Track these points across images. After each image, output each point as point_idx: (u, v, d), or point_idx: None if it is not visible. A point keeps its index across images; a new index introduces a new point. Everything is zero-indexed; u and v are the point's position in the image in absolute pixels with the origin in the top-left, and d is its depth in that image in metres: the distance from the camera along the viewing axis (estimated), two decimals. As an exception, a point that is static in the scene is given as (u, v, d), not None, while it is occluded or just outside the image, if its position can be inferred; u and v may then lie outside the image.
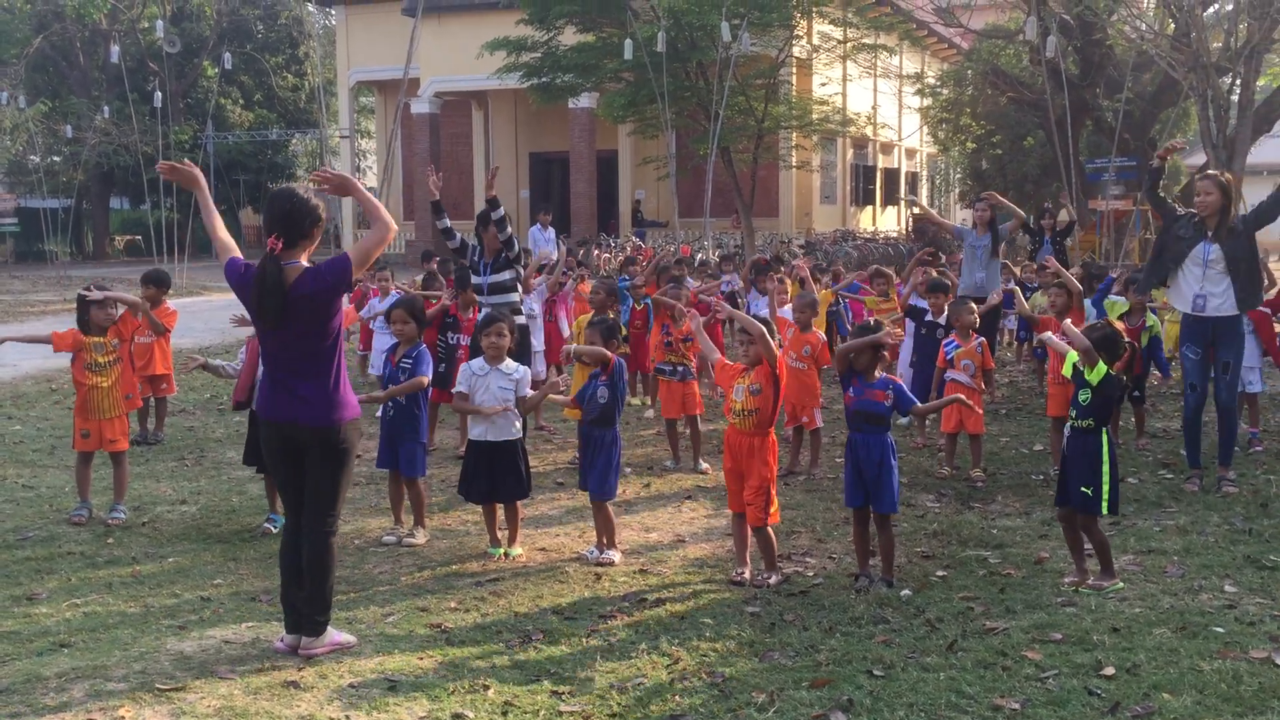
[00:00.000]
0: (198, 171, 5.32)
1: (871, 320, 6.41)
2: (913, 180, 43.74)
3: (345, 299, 5.24)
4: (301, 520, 5.12)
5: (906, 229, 33.30)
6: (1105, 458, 5.74)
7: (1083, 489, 5.74)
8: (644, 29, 22.90)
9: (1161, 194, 8.40)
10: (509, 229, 9.12)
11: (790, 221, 32.04)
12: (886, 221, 39.62)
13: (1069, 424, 5.92)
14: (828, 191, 35.73)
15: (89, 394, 7.37)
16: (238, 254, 5.07)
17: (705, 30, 23.28)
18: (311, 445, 4.98)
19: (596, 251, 26.55)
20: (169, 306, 9.85)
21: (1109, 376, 5.75)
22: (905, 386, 6.13)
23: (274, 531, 7.02)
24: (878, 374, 5.98)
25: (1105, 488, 5.72)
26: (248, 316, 7.38)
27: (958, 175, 38.94)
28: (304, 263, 4.93)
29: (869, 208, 38.75)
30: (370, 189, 43.60)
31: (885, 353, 6.06)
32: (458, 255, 9.29)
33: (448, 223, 9.26)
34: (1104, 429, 5.80)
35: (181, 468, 8.93)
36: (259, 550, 6.71)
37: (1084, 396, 5.81)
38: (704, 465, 8.77)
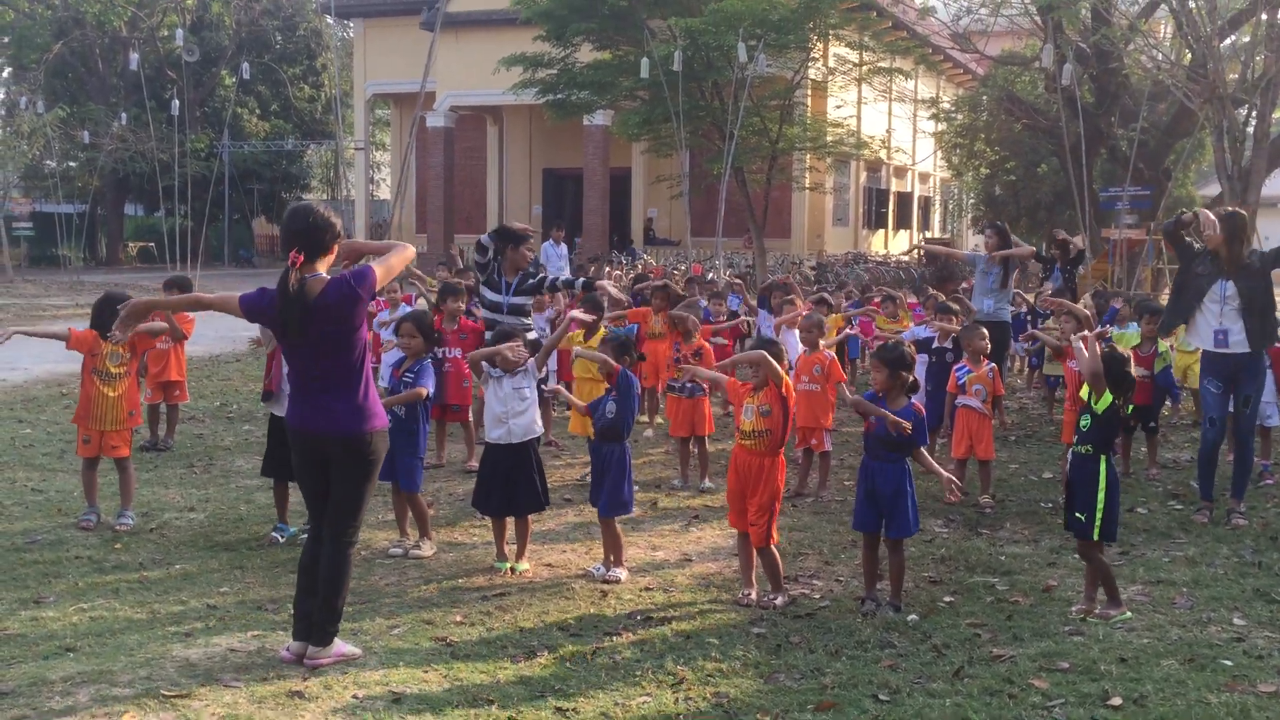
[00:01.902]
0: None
1: (890, 341, 6.40)
2: (925, 206, 43.77)
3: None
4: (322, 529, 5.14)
5: (917, 256, 33.28)
6: (1102, 484, 5.72)
7: (1077, 514, 5.73)
8: (660, 48, 22.98)
9: (1180, 233, 8.40)
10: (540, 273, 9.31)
11: (802, 243, 32.06)
12: (898, 245, 39.61)
13: (1072, 450, 5.91)
14: (840, 214, 35.77)
15: (93, 401, 7.37)
16: (240, 292, 5.10)
17: (721, 50, 23.35)
18: (339, 455, 5.00)
19: (608, 269, 26.58)
20: (187, 314, 9.89)
21: (1113, 406, 5.74)
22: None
23: (281, 541, 7.04)
24: (904, 402, 5.96)
25: (1099, 515, 5.70)
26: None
27: (971, 201, 38.92)
28: (324, 274, 4.96)
29: (881, 231, 38.76)
30: (382, 202, 43.79)
31: (906, 374, 6.03)
32: (480, 269, 9.29)
33: (490, 247, 9.27)
34: (1104, 456, 5.78)
35: (190, 475, 8.94)
36: (266, 559, 6.71)
37: (1085, 422, 5.80)
38: (708, 484, 8.77)
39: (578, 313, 7.24)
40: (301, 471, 5.20)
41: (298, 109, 44.14)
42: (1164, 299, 13.86)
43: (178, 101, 28.30)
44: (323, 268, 4.99)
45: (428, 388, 6.91)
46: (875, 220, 38.28)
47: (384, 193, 48.54)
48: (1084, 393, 6.10)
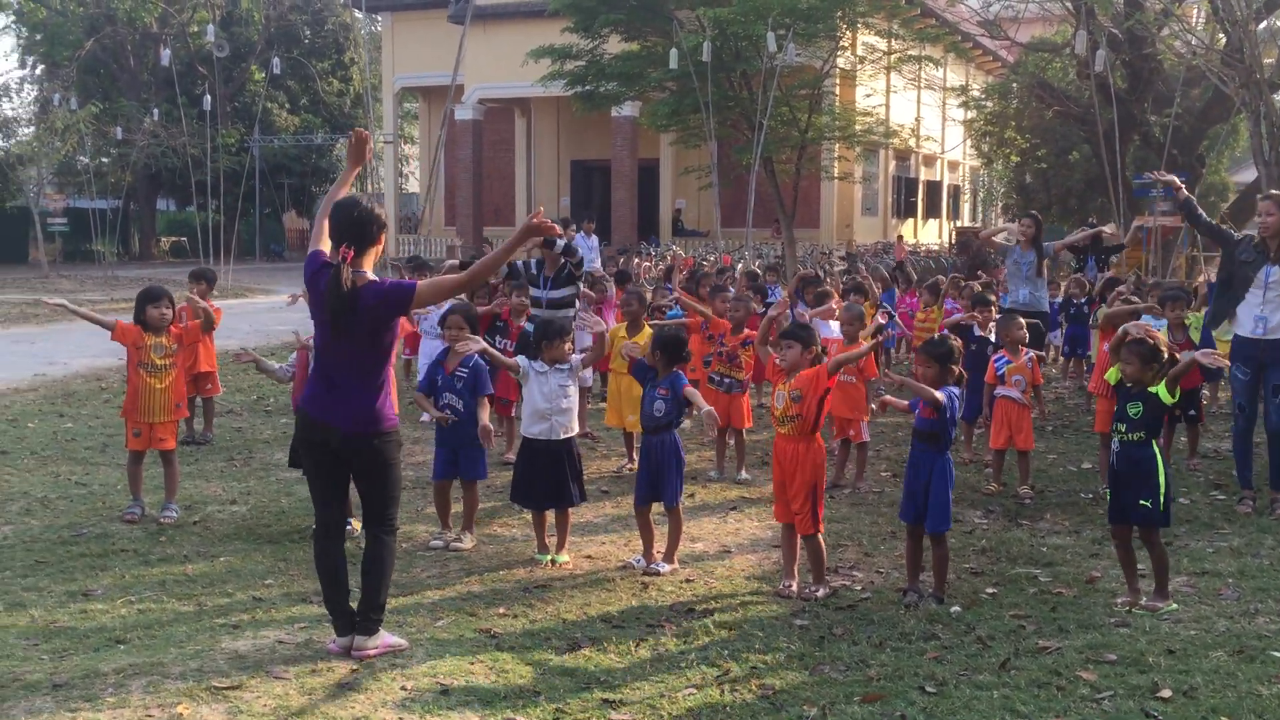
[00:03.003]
0: (369, 157, 5.59)
1: (937, 335, 6.36)
2: (954, 195, 43.51)
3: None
4: (329, 520, 5.15)
5: (949, 242, 33.10)
6: (1160, 468, 5.70)
7: (1142, 502, 5.68)
8: (689, 39, 22.93)
9: (1209, 219, 8.33)
10: (578, 253, 9.31)
11: (831, 233, 31.96)
12: (928, 234, 39.42)
13: (1117, 438, 5.85)
14: (869, 203, 35.62)
15: (140, 393, 7.44)
16: (326, 249, 5.12)
17: (750, 40, 23.27)
18: (350, 453, 5.01)
19: (637, 260, 26.58)
20: (213, 305, 9.98)
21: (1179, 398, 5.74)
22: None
23: (322, 533, 7.08)
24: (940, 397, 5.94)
25: (1162, 499, 5.68)
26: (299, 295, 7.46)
27: (1001, 190, 38.68)
28: (369, 273, 4.99)
29: (910, 220, 38.56)
30: (411, 195, 43.96)
31: (955, 368, 6.00)
32: (510, 275, 9.35)
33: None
34: (1154, 441, 5.75)
35: (231, 468, 9.02)
36: (308, 552, 6.69)
37: (1135, 410, 5.75)
38: (746, 475, 8.77)
39: (631, 345, 7.18)
40: (307, 458, 5.18)
41: (326, 103, 44.38)
42: (1195, 286, 13.73)
43: (209, 97, 28.48)
44: (369, 261, 5.02)
45: (490, 391, 6.98)
46: (904, 209, 38.09)
47: (412, 186, 48.72)
48: (1110, 376, 6.06)
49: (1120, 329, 6.22)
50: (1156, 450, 5.75)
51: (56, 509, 7.65)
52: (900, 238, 29.79)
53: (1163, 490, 5.70)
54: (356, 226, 4.95)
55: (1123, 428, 5.80)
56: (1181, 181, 8.81)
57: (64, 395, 12.29)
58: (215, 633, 5.33)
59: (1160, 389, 5.73)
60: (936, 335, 6.36)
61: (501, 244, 5.28)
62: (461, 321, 7.09)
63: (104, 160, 38.79)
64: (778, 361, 6.16)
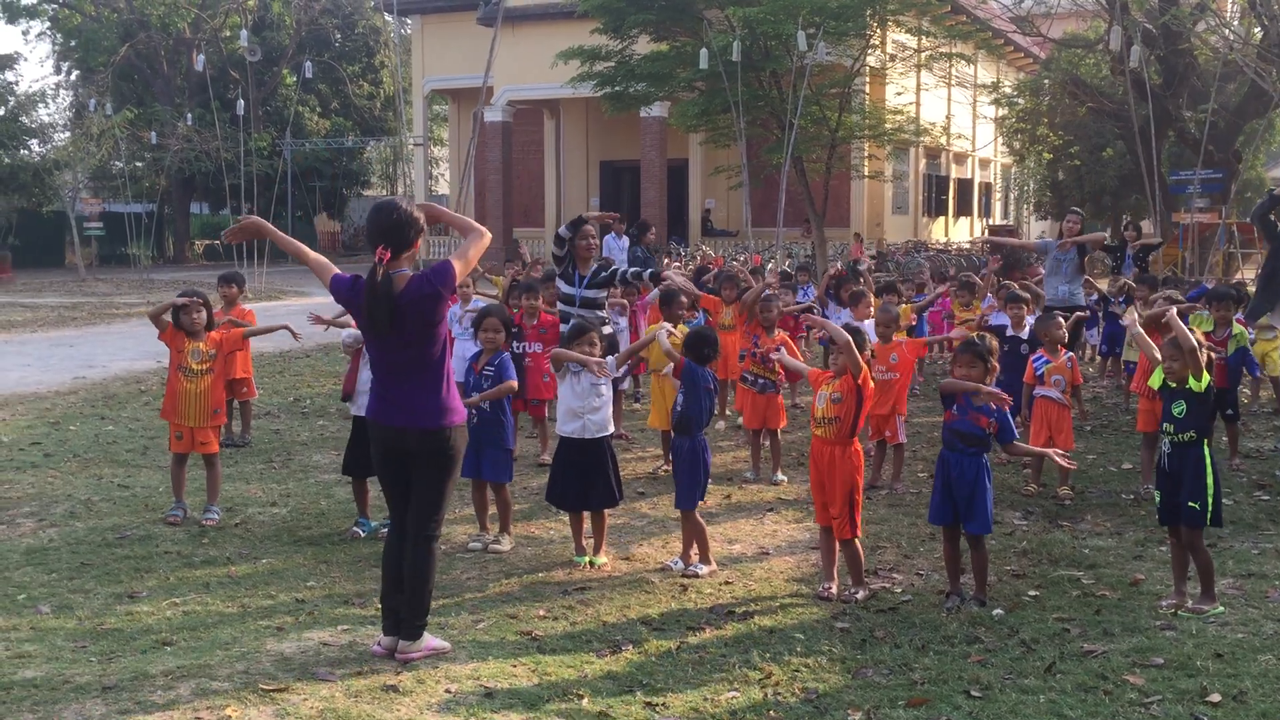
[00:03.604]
0: (256, 221, 5.55)
1: (977, 337, 6.32)
2: (986, 192, 43.24)
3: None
4: (404, 525, 5.19)
5: (981, 238, 32.90)
6: (1209, 469, 5.65)
7: (1190, 504, 5.63)
8: (718, 38, 22.91)
9: (1273, 219, 8.25)
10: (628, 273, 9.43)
11: (862, 232, 31.82)
12: (959, 232, 39.19)
13: (1166, 439, 5.80)
14: (899, 202, 35.45)
15: (178, 396, 7.51)
16: (336, 270, 5.18)
17: (780, 40, 23.22)
18: (419, 451, 5.06)
19: (667, 260, 26.59)
20: (244, 306, 10.11)
21: (1210, 386, 5.68)
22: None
23: (362, 536, 7.13)
24: (990, 402, 5.91)
25: (1210, 500, 5.62)
26: (323, 316, 7.50)
27: (1033, 187, 38.41)
28: (408, 271, 5.02)
29: (941, 218, 38.36)
30: (442, 197, 44.15)
31: (996, 367, 5.99)
32: (556, 261, 9.40)
33: (569, 235, 9.33)
34: (1205, 441, 5.70)
35: (270, 470, 9.08)
36: (349, 554, 6.81)
37: (1179, 409, 5.70)
38: (781, 476, 8.75)
39: (667, 326, 7.21)
40: (381, 466, 5.25)
41: (357, 106, 44.64)
42: (1233, 283, 13.59)
43: (243, 101, 28.67)
44: (407, 263, 5.05)
45: (514, 380, 6.98)
46: (935, 208, 37.90)
47: (442, 187, 48.91)
48: (1154, 380, 6.01)
49: (1148, 316, 6.20)
50: (1207, 452, 5.69)
51: (100, 511, 7.73)
52: (858, 236, 29.43)
53: (1210, 492, 5.64)
54: (395, 230, 4.98)
55: (1171, 428, 5.75)
56: (1216, 178, 8.75)
57: (104, 398, 12.42)
58: (260, 635, 5.37)
59: (1190, 380, 5.68)
60: (977, 335, 6.31)
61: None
62: (498, 324, 7.12)
63: (138, 165, 39.18)
64: (830, 365, 6.15)
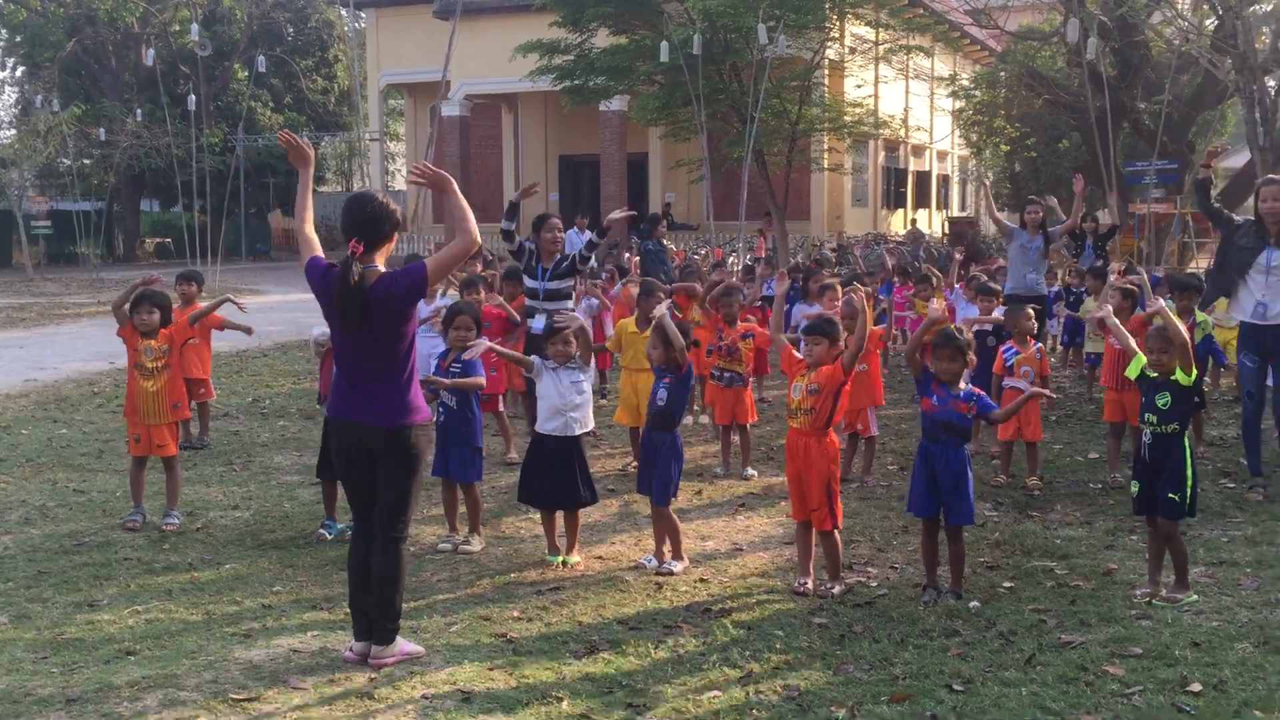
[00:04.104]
0: (310, 152, 5.31)
1: (952, 328, 6.27)
2: (944, 184, 43.50)
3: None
4: (369, 526, 5.08)
5: (942, 231, 33.10)
6: (1189, 461, 5.66)
7: (1170, 495, 5.63)
8: (678, 31, 22.83)
9: (1216, 204, 8.31)
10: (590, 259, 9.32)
11: (822, 225, 31.92)
12: (918, 224, 39.39)
13: (1148, 430, 5.79)
14: (859, 194, 35.59)
15: (136, 395, 7.35)
16: (320, 253, 5.05)
17: (740, 33, 23.20)
18: (381, 449, 4.95)
19: (627, 255, 26.50)
20: (201, 305, 9.91)
21: (1199, 380, 5.70)
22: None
23: (329, 538, 6.99)
24: (963, 385, 5.89)
25: (1189, 491, 5.64)
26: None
27: (990, 179, 38.68)
28: (380, 266, 4.91)
29: (900, 210, 38.56)
30: (399, 193, 43.78)
31: (973, 358, 5.97)
32: (514, 257, 9.32)
33: (513, 225, 9.28)
34: (1186, 433, 5.71)
35: (230, 472, 8.91)
36: (316, 557, 6.67)
37: (1164, 401, 5.70)
38: (750, 471, 8.70)
39: (667, 302, 7.06)
40: (343, 464, 5.10)
41: (311, 101, 44.12)
42: (1189, 272, 13.73)
43: (194, 96, 28.24)
44: (381, 258, 4.94)
45: (482, 376, 6.89)
46: (894, 200, 38.09)
47: (399, 183, 48.52)
48: (1131, 371, 6.01)
49: (1147, 314, 6.20)
50: (1187, 443, 5.70)
51: (56, 517, 7.54)
52: (760, 233, 29.47)
53: (1190, 483, 5.65)
54: (370, 223, 4.87)
55: (1154, 419, 5.73)
56: (1171, 168, 8.84)
57: (56, 400, 12.15)
58: (227, 642, 5.24)
59: (1178, 373, 5.69)
60: (953, 327, 6.27)
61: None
62: (470, 322, 7.02)
63: (87, 162, 38.49)
64: (801, 354, 6.09)
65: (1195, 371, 5.73)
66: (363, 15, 39.20)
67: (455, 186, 5.02)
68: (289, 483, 8.49)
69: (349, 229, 4.86)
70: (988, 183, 15.12)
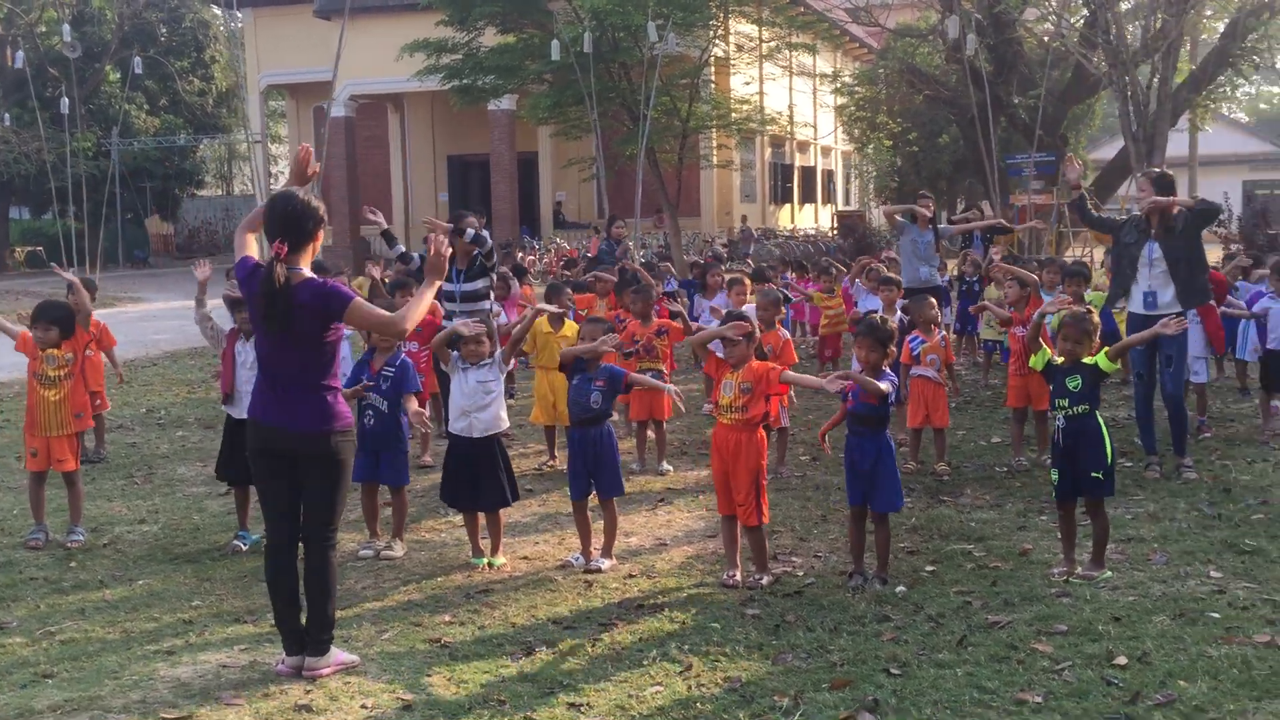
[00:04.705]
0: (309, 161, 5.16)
1: (875, 318, 6.36)
2: (829, 179, 44.24)
3: None
4: (284, 535, 4.95)
5: (832, 225, 33.68)
6: (1106, 437, 5.85)
7: (1093, 474, 5.81)
8: (568, 29, 22.79)
9: (1094, 214, 8.61)
10: (488, 242, 9.13)
11: (712, 221, 32.19)
12: (804, 219, 40.01)
13: (1060, 415, 5.97)
14: (747, 190, 35.99)
15: (37, 408, 7.07)
16: (254, 254, 4.92)
17: (629, 31, 23.25)
18: (302, 455, 4.84)
19: (520, 254, 26.37)
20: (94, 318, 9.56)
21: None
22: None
23: (244, 549, 6.81)
24: (886, 373, 5.98)
25: (1109, 468, 5.84)
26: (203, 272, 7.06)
27: (872, 174, 39.46)
28: (306, 270, 4.78)
29: (787, 205, 39.10)
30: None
31: (894, 350, 6.07)
32: (417, 276, 9.17)
33: (401, 248, 9.21)
34: (1097, 412, 5.91)
35: (132, 486, 8.62)
36: (233, 569, 6.49)
37: (1074, 383, 5.88)
38: (666, 466, 8.73)
39: (545, 305, 7.10)
40: (259, 469, 4.96)
41: (188, 103, 42.86)
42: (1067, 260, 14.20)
43: (67, 99, 27.20)
44: (306, 258, 4.82)
45: (417, 388, 6.83)
46: (781, 195, 38.60)
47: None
48: (1035, 363, 6.19)
49: (1037, 313, 6.38)
50: (1100, 421, 5.90)
51: (-50, 539, 7.20)
52: (595, 229, 29.75)
53: (1109, 460, 5.85)
54: (291, 221, 4.75)
55: (1065, 403, 5.92)
56: (1049, 160, 9.12)
57: (-65, 417, 11.59)
58: (150, 660, 5.07)
59: (1100, 359, 5.88)
60: (877, 318, 6.37)
61: (422, 287, 5.01)
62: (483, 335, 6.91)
63: (-51, 168, 36.80)
64: (723, 355, 6.11)
65: (1116, 364, 5.93)
66: (239, 15, 38.24)
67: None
68: (195, 494, 8.25)
69: (271, 230, 4.75)
70: (886, 206, 15.43)
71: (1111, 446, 5.94)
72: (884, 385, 5.80)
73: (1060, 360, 5.97)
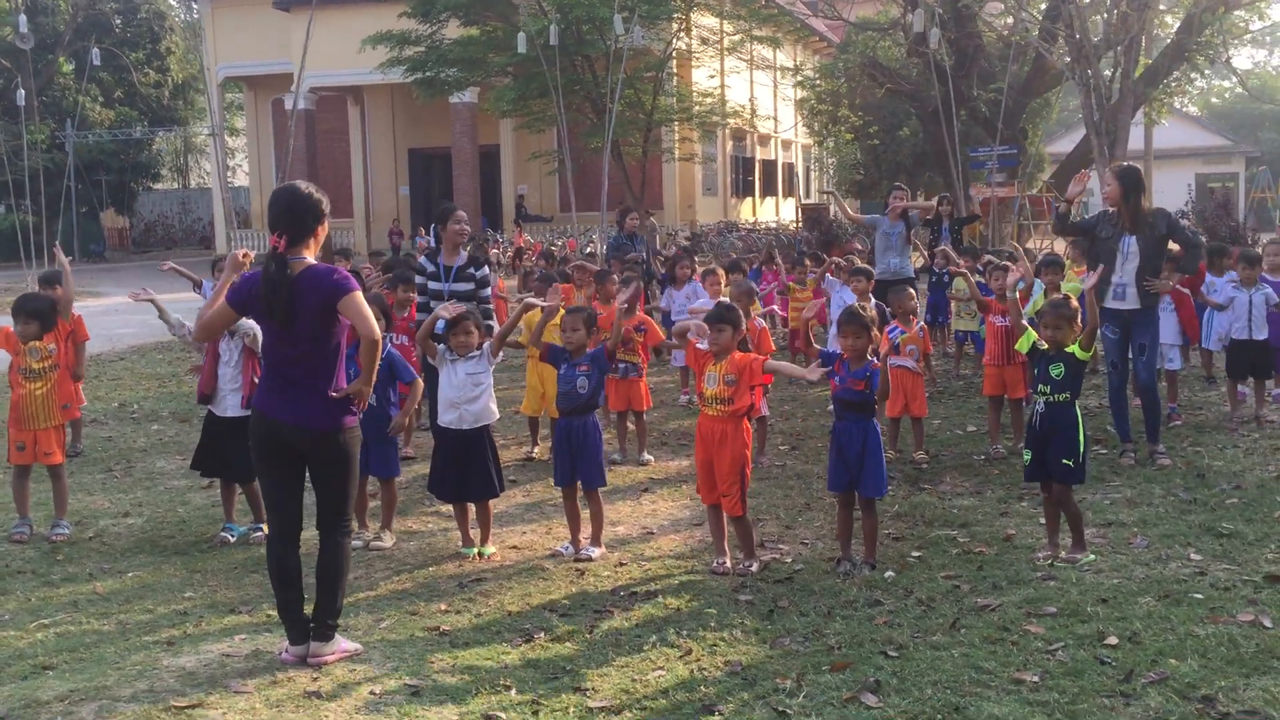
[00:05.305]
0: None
1: (855, 306, 6.46)
2: (790, 173, 44.44)
3: None
4: (287, 525, 4.97)
5: (796, 218, 33.84)
6: (1081, 428, 5.97)
7: (1064, 461, 5.94)
8: (532, 21, 22.76)
9: (1074, 221, 8.76)
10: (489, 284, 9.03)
11: (675, 214, 32.27)
12: (766, 212, 40.19)
13: (1041, 400, 6.09)
14: (709, 183, 36.10)
15: (22, 401, 7.02)
16: (222, 302, 4.98)
17: (594, 24, 23.26)
18: (310, 451, 4.86)
19: (484, 247, 26.32)
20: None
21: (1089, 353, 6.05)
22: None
23: (232, 541, 6.80)
24: (864, 363, 6.07)
25: (1080, 457, 5.96)
26: (148, 292, 6.97)
27: (834, 166, 39.68)
28: (309, 259, 4.79)
29: (749, 199, 39.26)
30: (241, 189, 42.40)
31: (878, 336, 6.16)
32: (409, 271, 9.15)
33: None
34: (1076, 402, 6.03)
35: (112, 479, 8.56)
36: (223, 561, 6.48)
37: (1058, 371, 6.01)
38: (647, 456, 8.79)
39: (532, 299, 7.13)
40: (263, 461, 4.96)
41: (144, 95, 42.35)
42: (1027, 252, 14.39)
43: (22, 91, 26.79)
44: (310, 251, 4.82)
45: (413, 377, 6.83)
46: (743, 188, 38.75)
47: (240, 179, 46.98)
48: (1021, 345, 6.31)
49: (1008, 290, 6.55)
50: (1078, 411, 6.02)
51: (-69, 534, 7.13)
52: (517, 223, 29.71)
53: (1081, 449, 5.97)
54: (290, 214, 4.75)
55: (1046, 389, 6.04)
56: (1011, 154, 9.24)
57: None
58: (150, 650, 5.06)
59: (1075, 348, 6.01)
60: (857, 306, 6.46)
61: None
62: (377, 313, 6.87)
63: (-102, 161, 36.13)
64: (704, 345, 6.13)
65: (1089, 350, 6.05)
66: (196, 6, 37.84)
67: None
68: (177, 488, 8.21)
69: (271, 223, 4.76)
70: (838, 196, 15.54)
71: (1085, 436, 6.06)
72: (812, 374, 5.84)
73: (1045, 347, 6.09)
